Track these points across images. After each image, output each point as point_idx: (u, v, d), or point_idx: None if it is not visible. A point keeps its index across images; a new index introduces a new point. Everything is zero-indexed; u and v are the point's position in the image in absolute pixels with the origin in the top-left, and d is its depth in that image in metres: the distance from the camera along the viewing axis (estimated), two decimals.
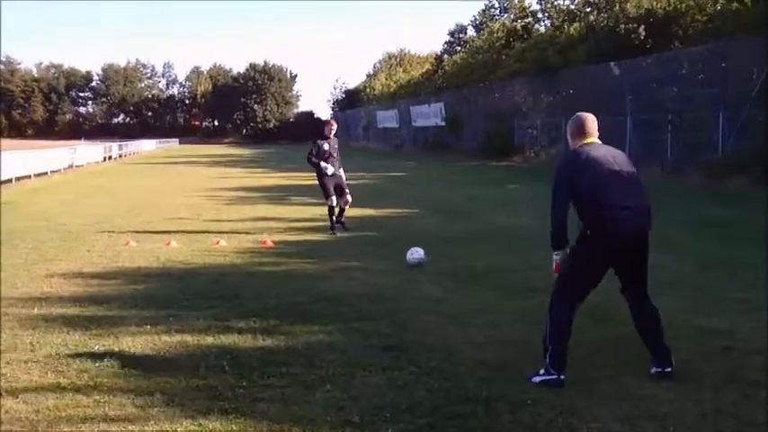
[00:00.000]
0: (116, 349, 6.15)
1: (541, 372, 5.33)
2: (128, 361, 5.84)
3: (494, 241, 12.15)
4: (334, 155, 13.39)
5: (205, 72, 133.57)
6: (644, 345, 5.56)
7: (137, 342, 6.36)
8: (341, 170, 13.48)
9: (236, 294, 8.21)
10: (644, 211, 5.43)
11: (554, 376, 5.26)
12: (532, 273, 9.22)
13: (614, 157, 5.48)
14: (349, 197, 13.46)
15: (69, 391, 5.11)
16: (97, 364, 5.72)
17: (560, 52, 37.12)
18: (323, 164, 13.24)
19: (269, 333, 6.63)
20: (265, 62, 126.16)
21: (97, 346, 6.22)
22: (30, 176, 28.89)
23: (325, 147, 13.32)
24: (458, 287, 8.63)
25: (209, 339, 6.45)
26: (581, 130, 5.70)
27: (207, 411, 4.76)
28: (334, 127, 13.62)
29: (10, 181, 26.12)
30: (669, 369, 5.38)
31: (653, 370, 5.42)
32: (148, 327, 6.83)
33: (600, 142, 5.65)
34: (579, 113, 5.87)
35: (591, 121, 5.72)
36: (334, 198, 13.22)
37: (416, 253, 10.12)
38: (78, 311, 7.49)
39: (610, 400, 4.96)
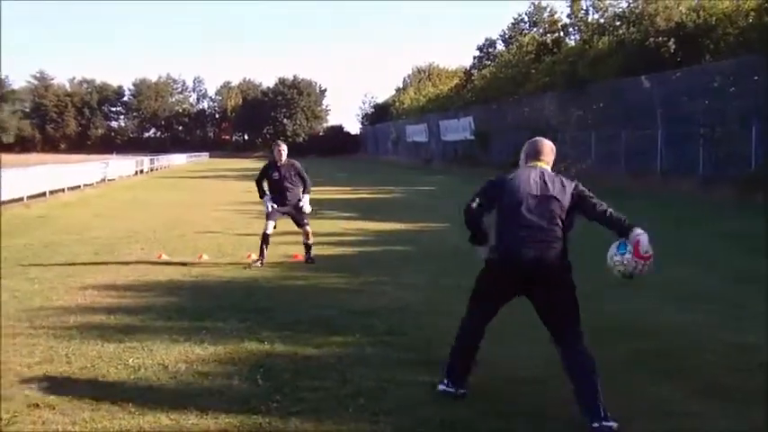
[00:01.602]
0: (150, 361, 6.20)
1: (445, 381, 5.38)
2: (161, 373, 5.89)
3: None
4: (289, 182, 11.70)
5: (235, 87, 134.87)
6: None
7: (170, 354, 6.41)
8: (304, 198, 11.79)
9: (268, 307, 8.26)
10: (545, 249, 5.03)
11: (452, 390, 5.32)
12: None
13: (545, 185, 5.13)
14: (308, 228, 11.81)
15: (105, 403, 5.16)
16: (132, 377, 5.79)
17: (590, 66, 37.00)
18: (267, 202, 11.77)
19: (301, 346, 6.66)
20: (295, 77, 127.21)
21: (132, 359, 6.27)
22: (63, 190, 29.25)
23: (275, 176, 11.71)
24: None
25: (242, 352, 6.49)
26: (532, 153, 5.43)
27: (240, 425, 4.78)
28: (284, 150, 11.79)
29: (44, 194, 26.47)
30: (612, 424, 4.65)
31: (594, 425, 4.66)
32: (182, 339, 6.88)
33: (546, 169, 5.30)
34: (538, 138, 5.64)
35: (546, 148, 5.42)
36: (271, 224, 11.60)
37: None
38: (113, 323, 7.57)
39: (648, 415, 4.93)
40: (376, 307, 8.28)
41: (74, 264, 11.41)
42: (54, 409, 5.06)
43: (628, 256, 4.96)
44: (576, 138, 36.75)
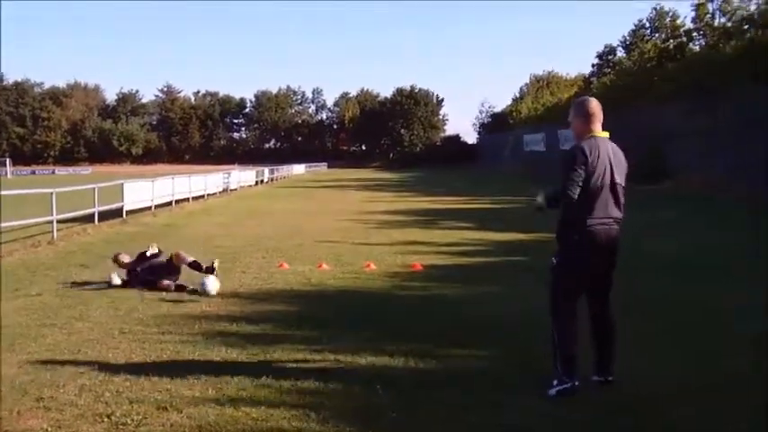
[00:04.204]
0: (271, 369, 6.28)
1: (555, 383, 5.42)
2: (283, 380, 5.95)
3: (644, 268, 11.69)
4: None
5: (353, 97, 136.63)
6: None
7: (291, 362, 6.48)
8: None
9: (388, 318, 8.26)
10: (619, 222, 5.69)
11: (568, 384, 5.36)
12: (686, 304, 8.88)
13: (616, 161, 5.61)
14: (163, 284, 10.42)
15: (229, 408, 5.26)
16: (254, 383, 5.87)
17: (716, 73, 35.70)
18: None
19: (420, 356, 6.62)
20: (412, 87, 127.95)
21: (254, 366, 6.37)
22: (188, 200, 30.23)
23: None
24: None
25: (362, 361, 6.50)
26: (590, 118, 5.58)
27: None
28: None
29: (170, 204, 27.43)
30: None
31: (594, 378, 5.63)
32: (302, 347, 6.96)
33: (607, 136, 5.62)
34: (585, 97, 5.76)
35: (599, 109, 5.59)
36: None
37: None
38: (235, 330, 7.73)
39: None
40: (497, 319, 8.15)
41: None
42: (181, 412, 5.19)
43: None
44: (700, 147, 35.52)
